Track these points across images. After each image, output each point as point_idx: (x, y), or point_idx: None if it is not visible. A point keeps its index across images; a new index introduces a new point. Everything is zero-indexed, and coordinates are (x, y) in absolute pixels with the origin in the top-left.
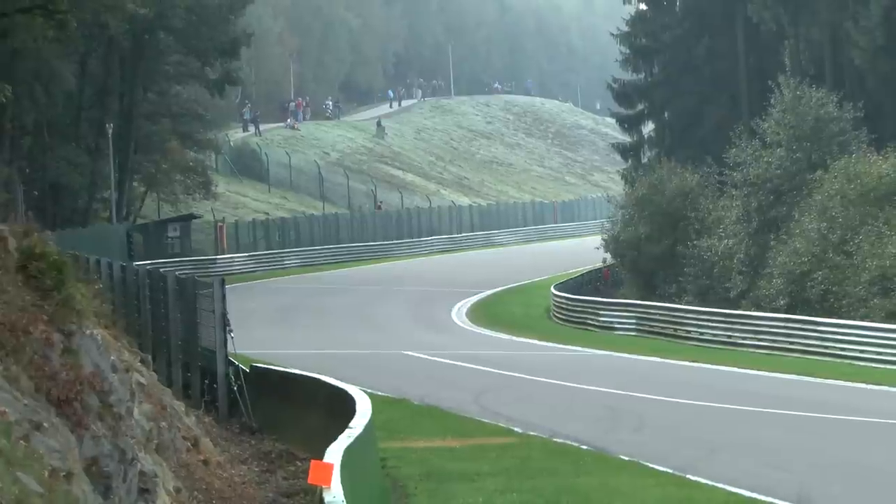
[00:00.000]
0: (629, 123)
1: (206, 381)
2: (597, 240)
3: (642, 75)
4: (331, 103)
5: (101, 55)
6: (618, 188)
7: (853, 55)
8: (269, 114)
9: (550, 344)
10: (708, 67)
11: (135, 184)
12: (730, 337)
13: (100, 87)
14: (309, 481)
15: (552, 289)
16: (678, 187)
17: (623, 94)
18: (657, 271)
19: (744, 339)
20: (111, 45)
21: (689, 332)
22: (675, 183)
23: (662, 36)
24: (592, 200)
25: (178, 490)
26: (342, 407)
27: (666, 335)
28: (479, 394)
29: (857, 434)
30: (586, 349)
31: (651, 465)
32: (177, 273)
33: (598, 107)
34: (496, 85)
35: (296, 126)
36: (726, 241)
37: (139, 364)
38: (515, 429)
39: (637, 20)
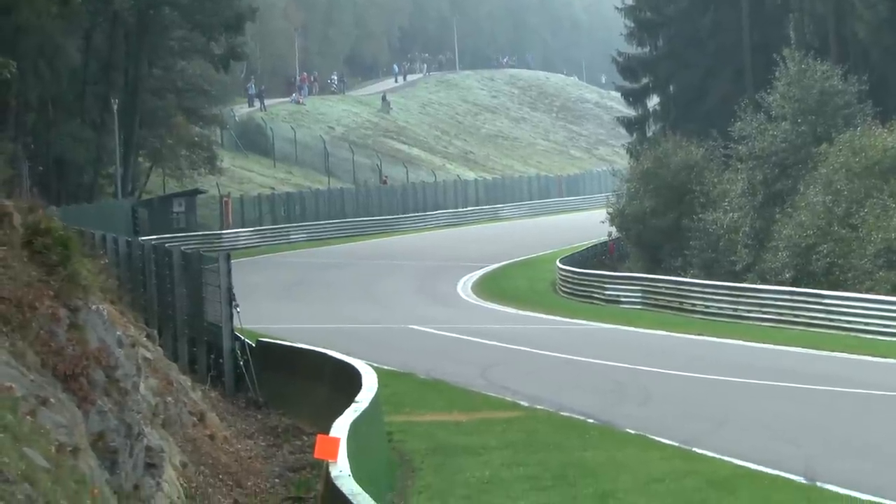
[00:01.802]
0: (634, 97)
1: (212, 356)
2: (602, 213)
3: (647, 49)
4: (336, 78)
5: (105, 30)
6: (623, 162)
7: (857, 28)
8: (274, 89)
9: (556, 318)
10: (713, 41)
11: (140, 159)
12: (735, 310)
13: (104, 63)
14: (315, 455)
15: (558, 262)
16: (683, 161)
17: (628, 68)
18: (662, 245)
19: (749, 312)
20: (116, 21)
21: (694, 305)
22: (680, 156)
23: (667, 9)
24: (598, 174)
25: (184, 465)
26: (348, 381)
27: (671, 308)
28: (486, 368)
29: (863, 407)
30: (592, 323)
31: (657, 439)
32: (182, 248)
33: (602, 81)
34: (504, 59)
35: (301, 101)
36: (731, 214)
37: (145, 339)
38: (522, 403)
39: None
